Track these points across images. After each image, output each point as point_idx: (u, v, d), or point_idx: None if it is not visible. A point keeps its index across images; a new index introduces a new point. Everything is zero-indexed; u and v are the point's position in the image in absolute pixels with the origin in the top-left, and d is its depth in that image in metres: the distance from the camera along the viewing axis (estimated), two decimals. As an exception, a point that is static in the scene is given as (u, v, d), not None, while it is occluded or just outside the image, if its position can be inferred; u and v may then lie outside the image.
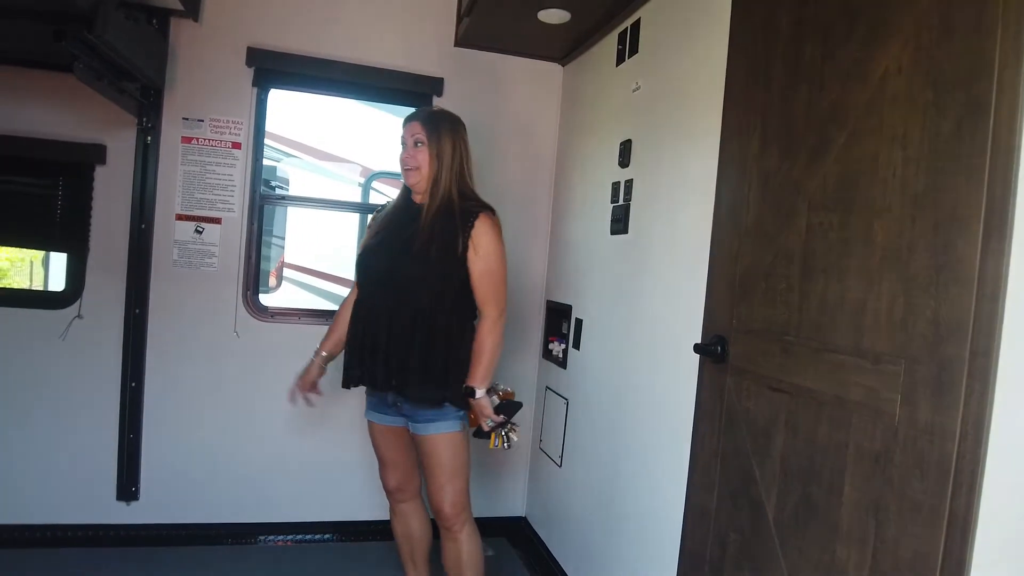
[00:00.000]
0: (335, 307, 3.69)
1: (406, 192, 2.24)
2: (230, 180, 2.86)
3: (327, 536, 3.09)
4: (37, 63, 2.62)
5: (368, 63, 2.98)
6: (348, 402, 2.95)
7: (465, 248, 2.07)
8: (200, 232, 2.83)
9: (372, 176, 5.61)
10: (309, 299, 5.64)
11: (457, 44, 3.08)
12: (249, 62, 2.85)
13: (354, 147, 5.97)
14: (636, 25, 2.46)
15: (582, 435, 2.67)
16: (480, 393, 2.09)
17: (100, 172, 2.75)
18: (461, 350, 2.12)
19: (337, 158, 6.04)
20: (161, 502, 2.88)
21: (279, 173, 5.51)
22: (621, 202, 2.45)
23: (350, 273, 5.36)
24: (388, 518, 2.78)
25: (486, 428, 2.15)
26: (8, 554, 2.70)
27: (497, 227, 2.13)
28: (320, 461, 3.05)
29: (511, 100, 3.17)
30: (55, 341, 2.74)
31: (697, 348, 1.78)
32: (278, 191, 5.11)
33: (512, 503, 3.28)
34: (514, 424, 2.18)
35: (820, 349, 1.43)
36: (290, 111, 5.04)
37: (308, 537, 3.06)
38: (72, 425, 2.79)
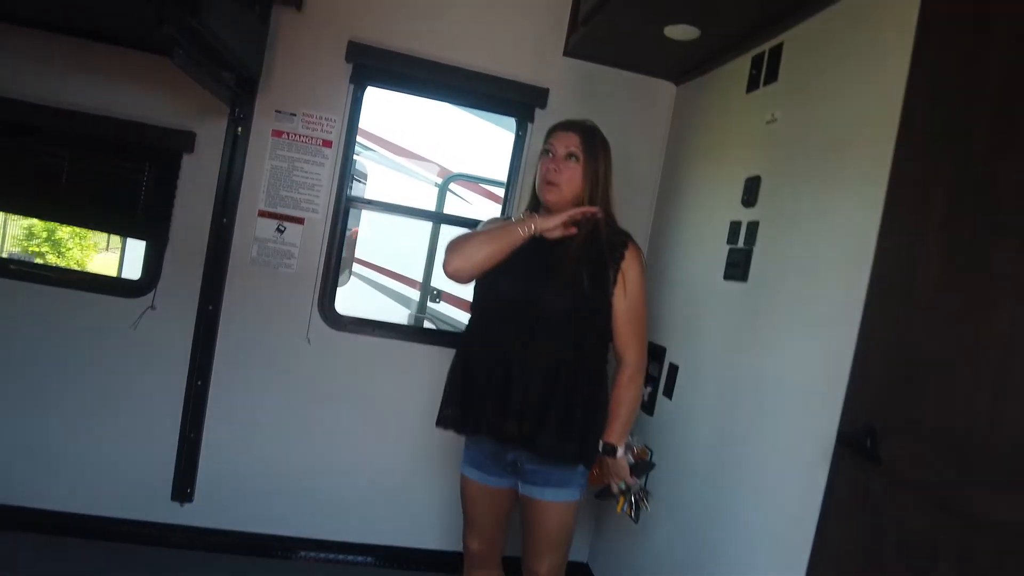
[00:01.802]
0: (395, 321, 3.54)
1: (536, 209, 1.93)
2: (317, 179, 2.72)
3: (368, 559, 2.90)
4: (134, 43, 2.52)
5: (471, 67, 2.79)
6: (417, 426, 2.79)
7: (615, 283, 1.81)
8: (282, 231, 2.70)
9: (450, 177, 5.45)
10: (377, 297, 5.54)
11: (566, 54, 2.87)
12: (348, 57, 2.69)
13: (434, 146, 5.84)
14: (777, 50, 2.20)
15: (666, 493, 2.42)
16: (620, 452, 1.84)
17: (187, 160, 2.64)
18: (600, 400, 1.85)
19: (416, 156, 5.92)
20: (214, 506, 2.76)
21: (357, 167, 5.42)
22: (741, 245, 2.19)
23: (419, 274, 5.26)
24: (436, 548, 2.66)
25: (614, 490, 1.91)
26: (57, 541, 2.63)
27: (644, 262, 1.88)
28: (376, 482, 2.88)
29: (616, 116, 2.87)
30: (126, 330, 2.64)
31: (841, 438, 1.52)
32: (355, 184, 5.00)
33: (574, 547, 3.05)
34: (646, 489, 1.94)
35: (1020, 473, 1.16)
36: (372, 104, 4.92)
37: (351, 558, 2.88)
38: (134, 418, 2.69)
